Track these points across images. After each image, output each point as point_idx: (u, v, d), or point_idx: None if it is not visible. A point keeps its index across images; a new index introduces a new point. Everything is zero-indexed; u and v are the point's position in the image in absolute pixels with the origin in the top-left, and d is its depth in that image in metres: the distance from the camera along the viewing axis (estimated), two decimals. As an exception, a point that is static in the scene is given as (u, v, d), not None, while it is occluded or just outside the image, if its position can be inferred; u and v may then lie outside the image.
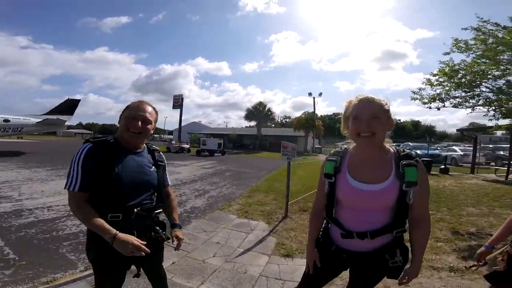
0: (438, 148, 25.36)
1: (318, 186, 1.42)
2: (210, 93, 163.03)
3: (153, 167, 1.60)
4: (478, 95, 7.12)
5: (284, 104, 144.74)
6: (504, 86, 6.66)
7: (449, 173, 13.28)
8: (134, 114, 1.50)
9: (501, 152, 19.81)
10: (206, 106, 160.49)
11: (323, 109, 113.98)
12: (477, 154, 15.46)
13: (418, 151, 20.56)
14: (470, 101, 7.34)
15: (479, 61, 6.60)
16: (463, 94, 7.33)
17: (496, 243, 1.60)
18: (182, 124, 45.36)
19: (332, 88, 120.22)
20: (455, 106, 7.51)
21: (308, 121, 34.51)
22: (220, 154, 24.38)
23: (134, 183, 1.46)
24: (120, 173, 1.41)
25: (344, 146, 1.37)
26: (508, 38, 5.80)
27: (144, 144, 1.66)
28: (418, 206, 1.22)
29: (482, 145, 24.31)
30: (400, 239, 1.26)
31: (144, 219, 1.51)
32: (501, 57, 6.20)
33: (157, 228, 1.58)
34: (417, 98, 7.83)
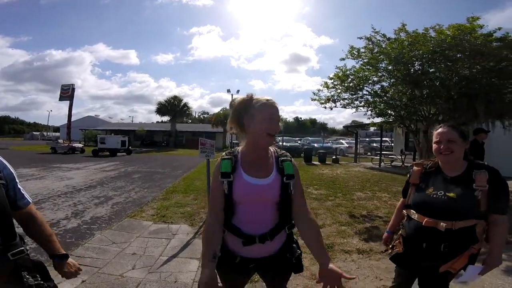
0: (330, 141, 29.96)
1: (212, 188, 1.34)
2: (112, 83, 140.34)
3: None
4: (362, 97, 8.65)
5: (202, 100, 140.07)
6: (379, 90, 8.27)
7: (339, 162, 15.86)
8: None
9: (374, 144, 25.22)
10: (105, 98, 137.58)
11: None
12: (358, 146, 19.01)
13: (315, 144, 23.82)
14: (355, 102, 8.86)
15: (364, 67, 7.98)
16: (350, 96, 8.77)
17: (393, 228, 1.86)
18: (74, 119, 38.07)
19: (248, 86, 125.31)
20: (343, 106, 8.90)
21: (226, 117, 34.57)
22: (125, 153, 21.63)
23: None
24: None
25: (237, 148, 1.41)
26: (388, 48, 7.19)
27: None
28: (296, 196, 1.32)
29: (361, 139, 30.36)
30: (292, 235, 1.38)
31: None
32: (380, 65, 7.64)
33: (27, 275, 1.12)
34: (315, 99, 8.97)
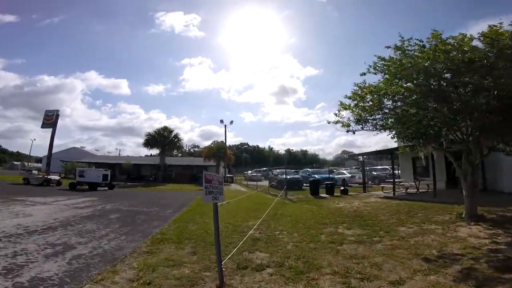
0: (327, 172, 28.39)
1: None
2: (102, 114, 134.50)
3: None
4: (390, 117, 7.45)
5: (192, 133, 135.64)
6: (410, 108, 7.06)
7: (349, 193, 14.24)
8: None
9: (375, 173, 24.01)
10: (94, 129, 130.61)
11: (230, 139, 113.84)
12: (364, 176, 17.57)
13: (316, 176, 22.26)
14: (380, 122, 7.67)
15: (391, 81, 6.86)
16: (375, 117, 7.60)
17: None
18: (59, 149, 35.62)
19: (238, 118, 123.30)
20: (374, 127, 7.67)
21: (219, 150, 33.10)
22: (106, 188, 19.35)
23: None
24: None
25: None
26: (419, 59, 6.19)
27: None
28: None
29: (354, 168, 29.11)
30: None
31: None
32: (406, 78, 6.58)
33: None
34: (336, 121, 7.70)
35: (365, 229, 5.92)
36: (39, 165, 45.10)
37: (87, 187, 18.41)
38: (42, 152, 52.93)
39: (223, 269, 3.23)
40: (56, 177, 21.49)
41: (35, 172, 22.51)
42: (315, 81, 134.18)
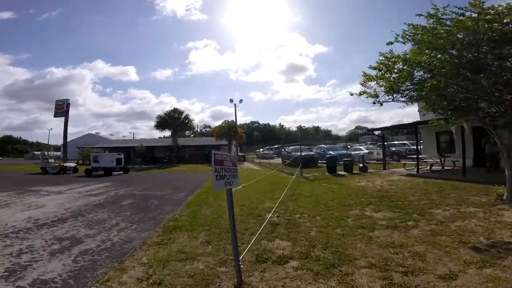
0: (341, 148, 27.51)
1: None
2: (113, 100, 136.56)
3: None
4: (420, 89, 6.72)
5: (203, 114, 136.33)
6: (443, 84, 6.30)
7: (368, 171, 13.58)
8: None
9: (393, 149, 23.00)
10: (107, 115, 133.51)
11: (240, 118, 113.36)
12: (383, 152, 16.75)
13: (332, 152, 21.54)
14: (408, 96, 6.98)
15: (427, 51, 6.08)
16: (404, 89, 6.91)
17: None
18: (75, 137, 36.44)
19: (247, 98, 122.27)
20: (408, 98, 6.99)
21: (230, 129, 32.78)
22: (121, 172, 19.48)
23: None
24: None
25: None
26: (455, 29, 5.39)
27: None
28: None
29: (375, 144, 28.10)
30: None
31: None
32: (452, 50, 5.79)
33: None
34: (364, 92, 7.06)
35: (395, 212, 5.37)
36: (59, 153, 46.41)
37: (103, 172, 18.57)
38: (60, 141, 54.17)
39: (240, 264, 2.80)
40: (72, 164, 21.79)
41: (51, 161, 22.92)
42: (325, 58, 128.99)
